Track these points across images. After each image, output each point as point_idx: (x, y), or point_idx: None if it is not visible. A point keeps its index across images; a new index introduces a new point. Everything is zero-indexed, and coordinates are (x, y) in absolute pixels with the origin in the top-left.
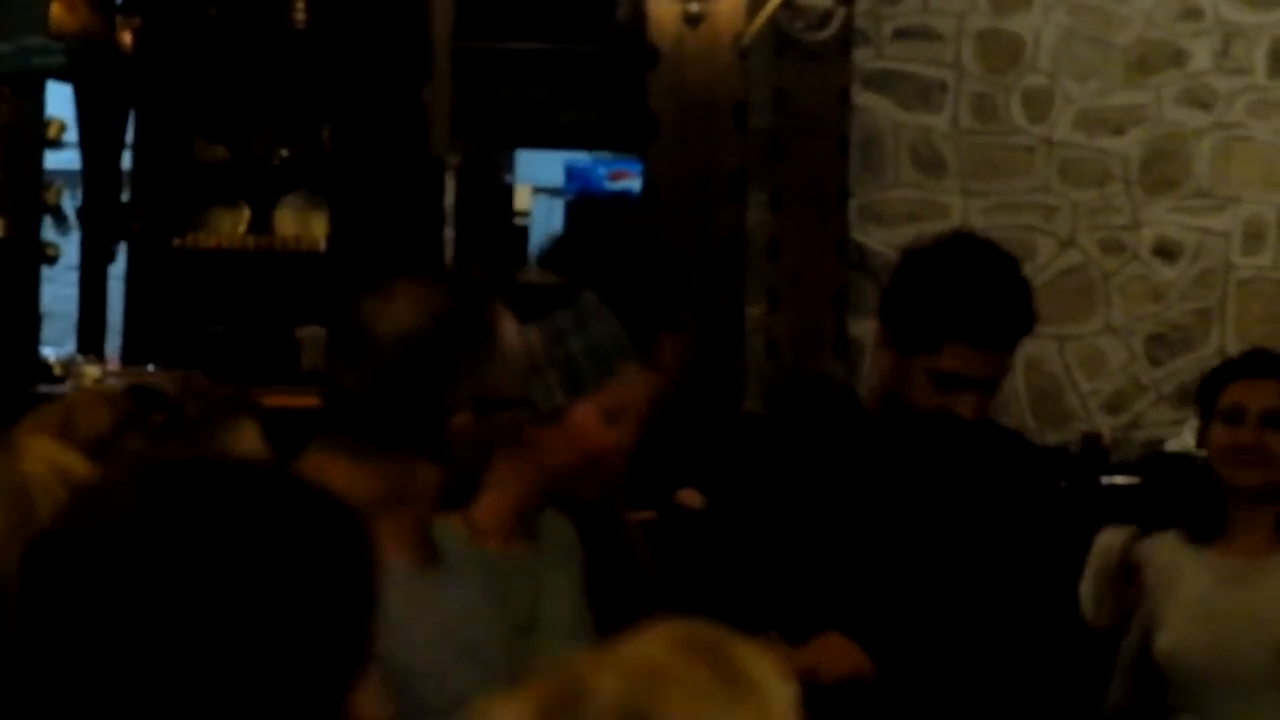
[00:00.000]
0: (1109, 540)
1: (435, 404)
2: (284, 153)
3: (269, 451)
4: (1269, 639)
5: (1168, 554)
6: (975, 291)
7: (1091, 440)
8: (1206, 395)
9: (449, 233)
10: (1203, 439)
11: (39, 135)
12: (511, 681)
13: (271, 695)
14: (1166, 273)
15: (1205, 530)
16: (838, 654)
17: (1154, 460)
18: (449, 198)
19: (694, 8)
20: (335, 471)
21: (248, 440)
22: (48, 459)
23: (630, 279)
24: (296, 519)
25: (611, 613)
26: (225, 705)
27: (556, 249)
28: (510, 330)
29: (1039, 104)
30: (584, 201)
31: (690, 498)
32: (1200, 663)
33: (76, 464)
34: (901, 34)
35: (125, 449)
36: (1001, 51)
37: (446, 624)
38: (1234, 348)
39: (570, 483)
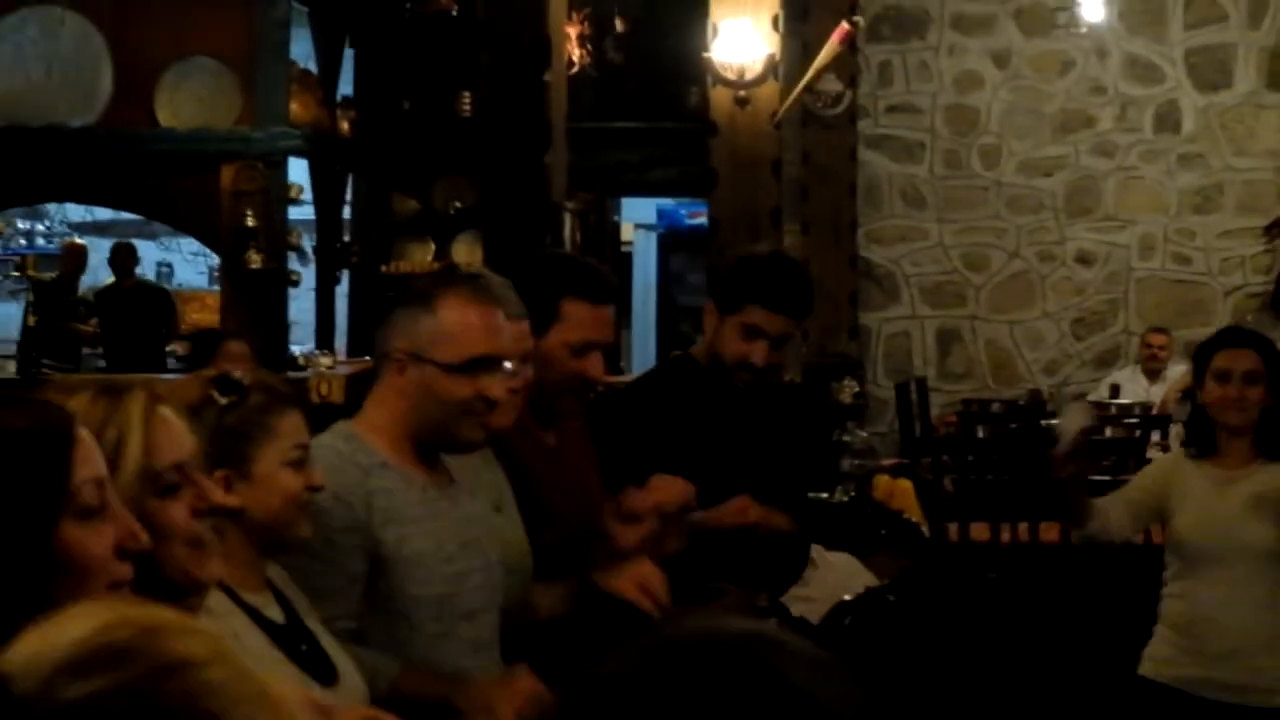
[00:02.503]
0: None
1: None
2: (457, 204)
3: (306, 432)
4: (1251, 525)
5: (1179, 467)
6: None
7: (1034, 395)
8: (1201, 359)
9: None
10: (1198, 392)
11: (284, 196)
12: (496, 562)
13: None
14: (1085, 274)
15: (1204, 450)
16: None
17: None
18: (568, 233)
19: (742, 93)
20: (373, 408)
21: (291, 422)
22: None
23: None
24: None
25: None
26: None
27: None
28: (455, 311)
29: (991, 156)
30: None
31: None
32: (1203, 542)
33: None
34: (892, 109)
35: (204, 418)
36: (963, 119)
37: (456, 524)
38: (1136, 328)
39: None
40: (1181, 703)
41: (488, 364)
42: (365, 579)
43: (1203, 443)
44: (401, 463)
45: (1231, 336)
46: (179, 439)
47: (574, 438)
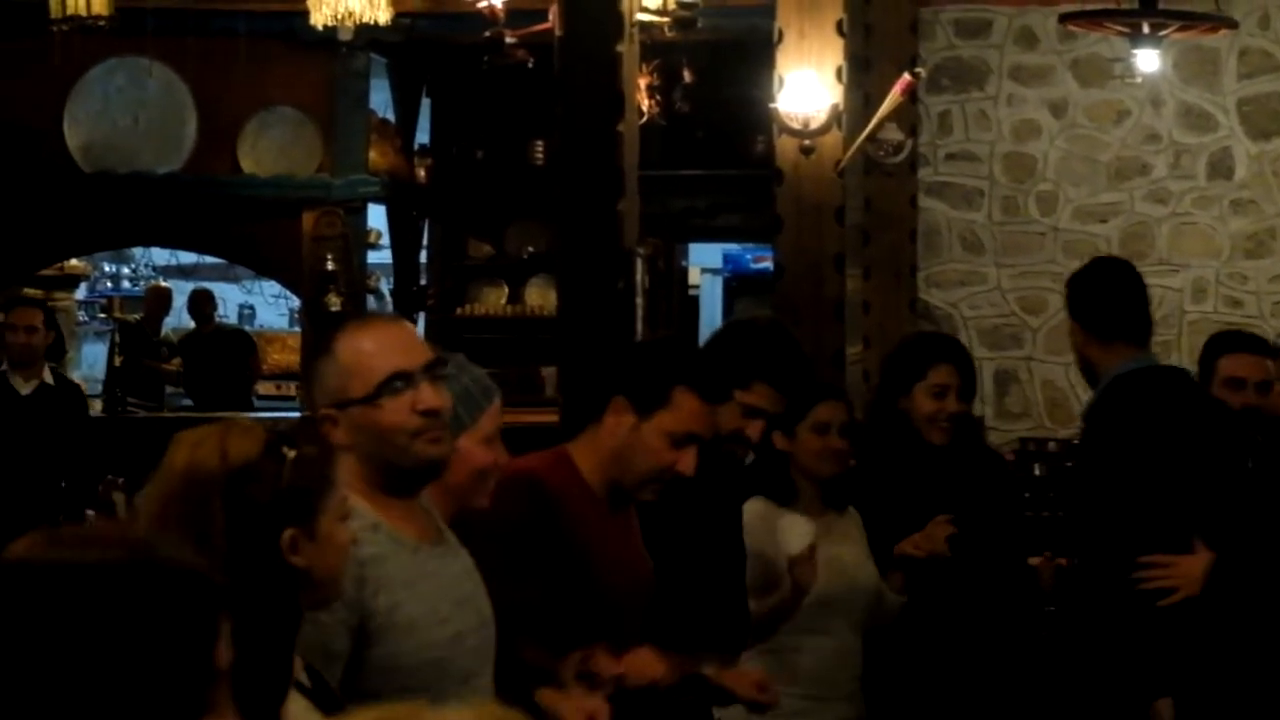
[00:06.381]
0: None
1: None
2: (530, 249)
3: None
4: (865, 568)
5: (766, 520)
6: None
7: None
8: (796, 408)
9: (639, 301)
10: (784, 440)
11: (363, 241)
12: (490, 618)
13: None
14: None
15: (786, 498)
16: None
17: None
18: (639, 277)
19: (807, 142)
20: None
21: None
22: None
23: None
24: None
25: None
26: None
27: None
28: (349, 346)
29: (1048, 203)
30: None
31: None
32: (830, 590)
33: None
34: (951, 156)
35: (265, 471)
36: (1021, 167)
37: (449, 582)
38: (1188, 369)
39: (468, 494)
40: None
41: (405, 379)
42: (346, 655)
43: (784, 490)
44: (391, 519)
45: (829, 389)
46: None
47: (629, 520)
